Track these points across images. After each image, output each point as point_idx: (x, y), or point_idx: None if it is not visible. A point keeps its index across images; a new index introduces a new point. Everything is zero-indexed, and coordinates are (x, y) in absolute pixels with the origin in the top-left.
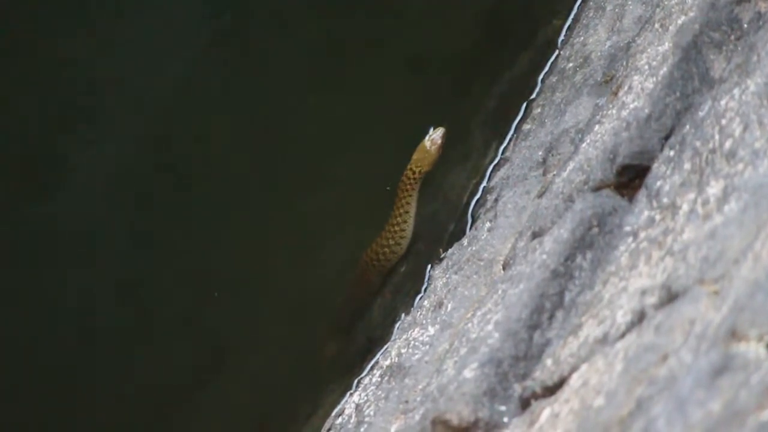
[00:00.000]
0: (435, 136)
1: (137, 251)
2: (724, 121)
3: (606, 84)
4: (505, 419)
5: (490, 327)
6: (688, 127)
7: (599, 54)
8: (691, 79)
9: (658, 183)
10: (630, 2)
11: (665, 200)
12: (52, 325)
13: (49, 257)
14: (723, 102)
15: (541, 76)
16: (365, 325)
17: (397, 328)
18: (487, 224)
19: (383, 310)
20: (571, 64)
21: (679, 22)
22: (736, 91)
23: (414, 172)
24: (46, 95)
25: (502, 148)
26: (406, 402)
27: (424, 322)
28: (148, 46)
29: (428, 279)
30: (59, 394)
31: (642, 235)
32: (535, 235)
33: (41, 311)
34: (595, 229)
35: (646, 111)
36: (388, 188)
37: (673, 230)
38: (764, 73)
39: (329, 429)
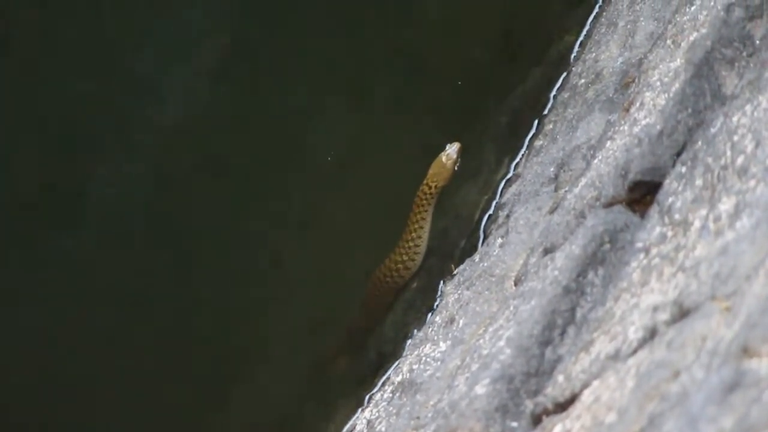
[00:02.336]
0: (451, 151)
1: (146, 264)
2: (736, 138)
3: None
4: None
5: (501, 343)
6: (700, 143)
7: (611, 70)
8: (703, 96)
9: (670, 199)
10: (642, 18)
11: (677, 216)
12: (64, 342)
13: (66, 272)
14: (735, 118)
15: (553, 92)
16: (377, 340)
17: (409, 343)
18: (499, 240)
19: (395, 326)
20: (583, 80)
21: (691, 38)
22: (748, 108)
23: (430, 188)
24: (59, 117)
25: (514, 163)
26: (418, 418)
27: (435, 338)
28: (162, 61)
29: (440, 295)
30: (72, 413)
31: (654, 251)
32: (547, 251)
33: (54, 325)
34: (607, 245)
35: (658, 127)
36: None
37: (684, 246)
38: None
39: None
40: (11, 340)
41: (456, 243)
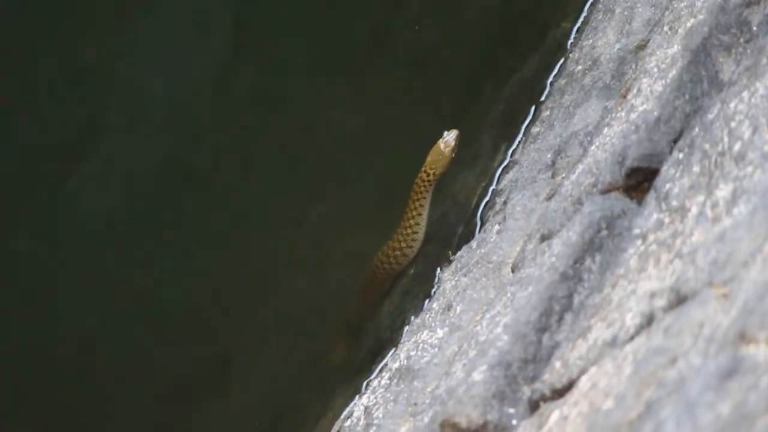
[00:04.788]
0: (449, 139)
1: (145, 258)
2: (733, 124)
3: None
4: (514, 422)
5: (499, 330)
6: (697, 129)
7: (608, 56)
8: (700, 82)
9: (667, 186)
10: (639, 5)
11: (674, 203)
12: (57, 329)
13: (55, 261)
14: (732, 105)
15: (550, 79)
16: (374, 327)
17: (406, 330)
18: (496, 227)
19: (392, 313)
20: (580, 67)
21: (689, 24)
22: (745, 94)
23: (428, 175)
24: (64, 96)
25: (511, 150)
26: (415, 404)
27: (433, 324)
28: (164, 48)
29: (437, 281)
30: (67, 398)
31: (651, 237)
32: (544, 238)
33: (44, 316)
34: (604, 232)
35: (655, 114)
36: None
37: (682, 233)
38: None
39: (338, 431)
40: None
41: (453, 230)
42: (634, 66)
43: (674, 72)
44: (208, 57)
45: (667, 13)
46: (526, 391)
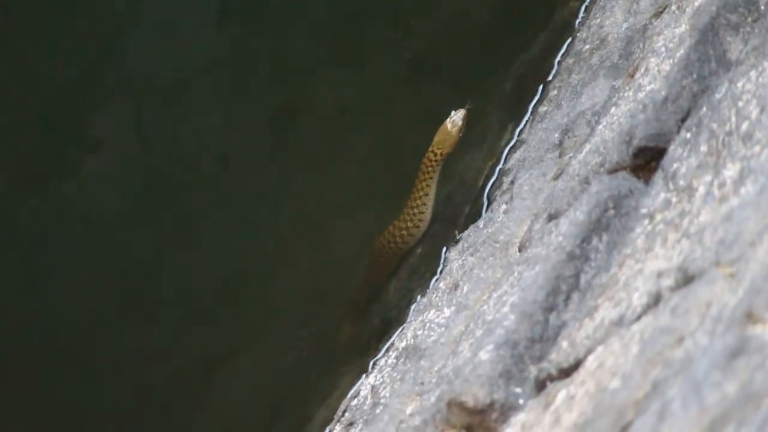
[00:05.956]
0: (456, 118)
1: (153, 236)
2: (740, 104)
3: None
4: (521, 401)
5: (505, 309)
6: (704, 109)
7: (616, 36)
8: (707, 62)
9: (675, 165)
10: None
11: (681, 182)
12: (66, 306)
13: (60, 243)
14: (740, 84)
15: (557, 58)
16: (381, 306)
17: (413, 309)
18: (503, 206)
19: (399, 292)
20: (587, 46)
21: (696, 4)
22: (752, 74)
23: (436, 154)
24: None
25: (518, 130)
26: (422, 384)
27: (439, 303)
28: (161, 29)
29: (444, 261)
30: (74, 377)
31: (658, 217)
32: (551, 218)
33: (52, 297)
34: (611, 212)
35: (663, 93)
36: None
37: (689, 212)
38: None
39: (345, 410)
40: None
41: (460, 209)
42: (641, 45)
43: (682, 51)
44: (204, 18)
45: None
46: (532, 371)
